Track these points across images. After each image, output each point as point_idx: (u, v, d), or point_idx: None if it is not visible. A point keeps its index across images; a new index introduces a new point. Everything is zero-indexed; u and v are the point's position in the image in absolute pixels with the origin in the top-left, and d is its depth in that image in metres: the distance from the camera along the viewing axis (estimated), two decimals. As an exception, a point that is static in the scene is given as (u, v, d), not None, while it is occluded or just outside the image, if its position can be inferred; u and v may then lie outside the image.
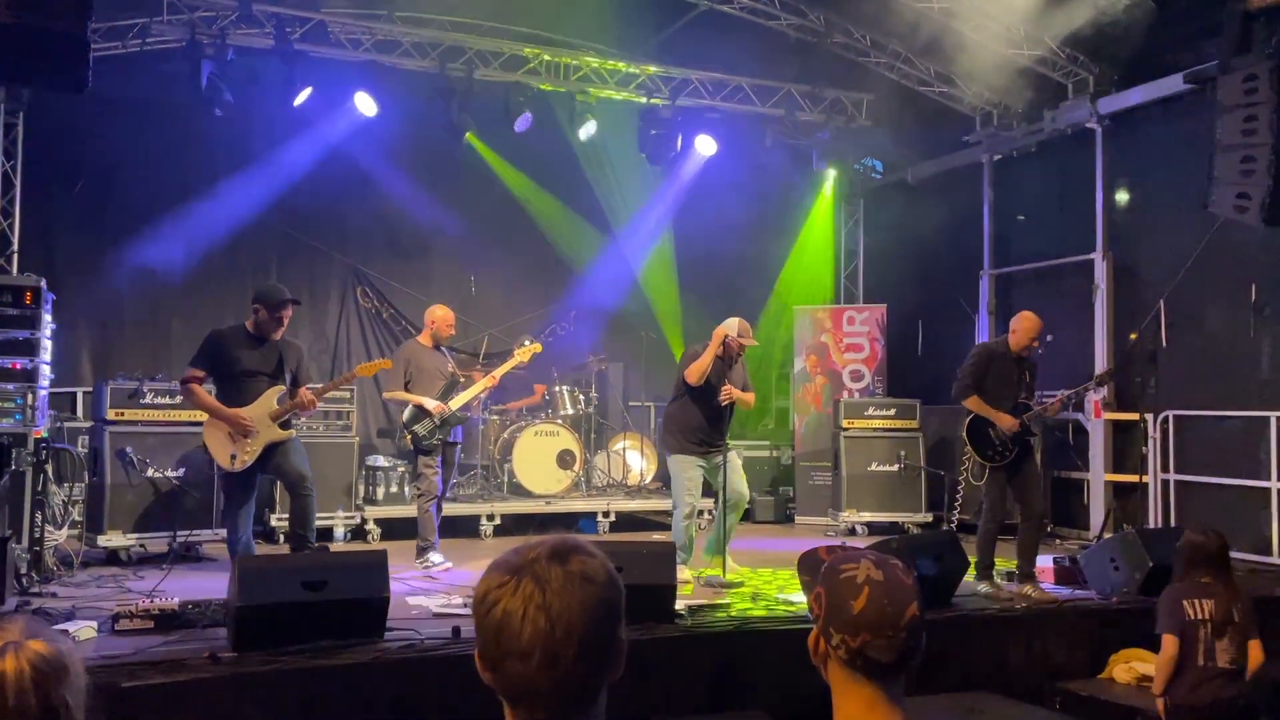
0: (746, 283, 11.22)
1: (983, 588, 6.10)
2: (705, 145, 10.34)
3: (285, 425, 5.90)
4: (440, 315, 7.27)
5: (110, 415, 7.12)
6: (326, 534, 7.77)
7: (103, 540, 6.94)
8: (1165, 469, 8.26)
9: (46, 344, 6.88)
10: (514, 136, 9.68)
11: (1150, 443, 8.19)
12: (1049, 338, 7.47)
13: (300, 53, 8.43)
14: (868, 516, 9.23)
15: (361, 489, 8.37)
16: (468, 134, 9.27)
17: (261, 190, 9.47)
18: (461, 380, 7.25)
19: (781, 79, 10.17)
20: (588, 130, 9.69)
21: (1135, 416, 8.22)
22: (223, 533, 6.46)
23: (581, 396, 9.74)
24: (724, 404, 6.57)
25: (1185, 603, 4.26)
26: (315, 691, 4.09)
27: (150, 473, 7.10)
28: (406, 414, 7.05)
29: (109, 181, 9.03)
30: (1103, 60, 8.94)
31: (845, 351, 10.55)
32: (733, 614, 5.36)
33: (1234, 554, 5.16)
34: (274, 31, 8.33)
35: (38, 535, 6.13)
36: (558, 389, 9.72)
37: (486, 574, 1.39)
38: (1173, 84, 8.23)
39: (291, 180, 9.61)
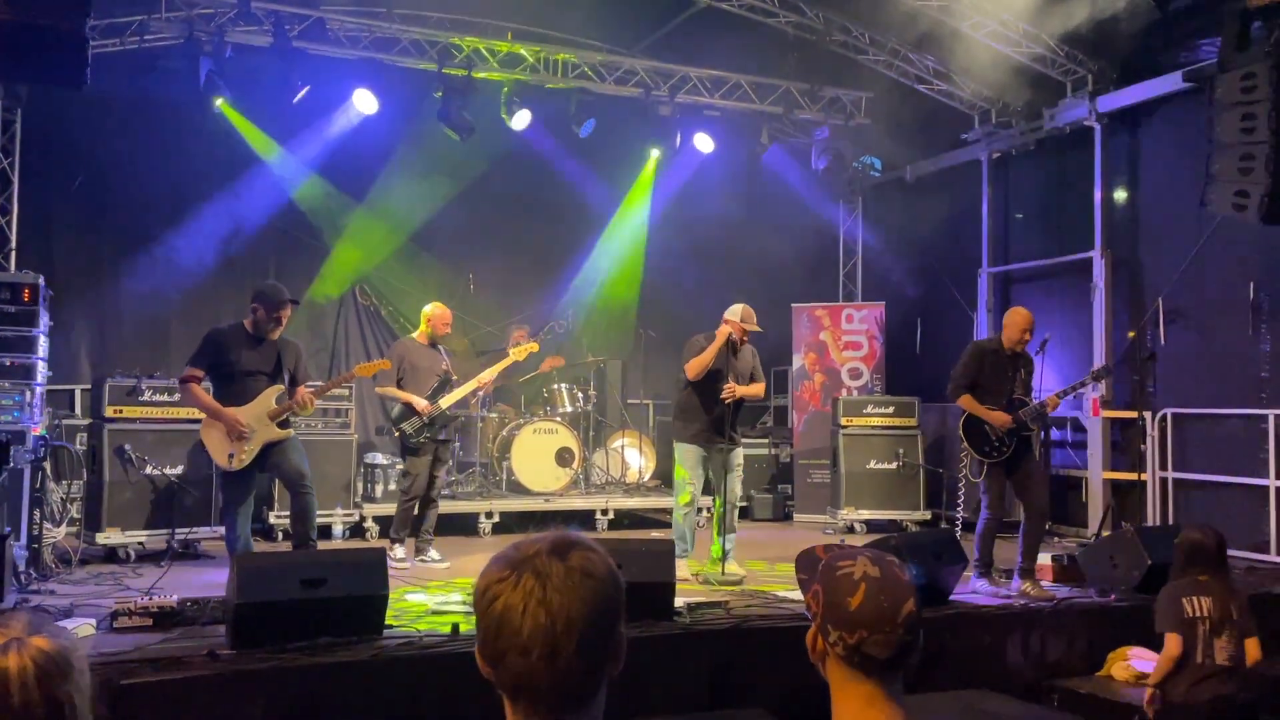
0: (745, 278, 11.21)
1: (982, 585, 6.12)
2: (703, 142, 10.37)
3: (284, 424, 5.89)
4: (437, 313, 7.27)
5: (108, 413, 7.11)
6: (325, 531, 7.77)
7: (101, 538, 6.93)
8: (1163, 467, 8.27)
9: (44, 341, 6.88)
10: (512, 133, 9.69)
11: (1149, 441, 8.21)
12: (1047, 336, 7.49)
13: (299, 50, 8.42)
14: (866, 514, 9.24)
15: (360, 487, 8.38)
16: (467, 132, 9.26)
17: (260, 188, 9.48)
18: (454, 380, 7.24)
19: (780, 76, 10.17)
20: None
21: (1134, 414, 8.24)
22: (221, 530, 6.47)
23: (580, 394, 9.74)
24: (727, 399, 6.53)
25: (1184, 600, 4.27)
26: (314, 689, 4.09)
27: (149, 470, 7.09)
28: (396, 411, 7.08)
29: (107, 179, 9.02)
30: (1101, 58, 8.94)
31: (844, 349, 10.56)
32: (732, 612, 5.36)
33: (1232, 552, 5.17)
34: (272, 29, 8.32)
35: (36, 533, 6.14)
36: (556, 387, 9.73)
37: (487, 568, 1.38)
38: (1171, 82, 8.23)
39: (290, 178, 9.63)
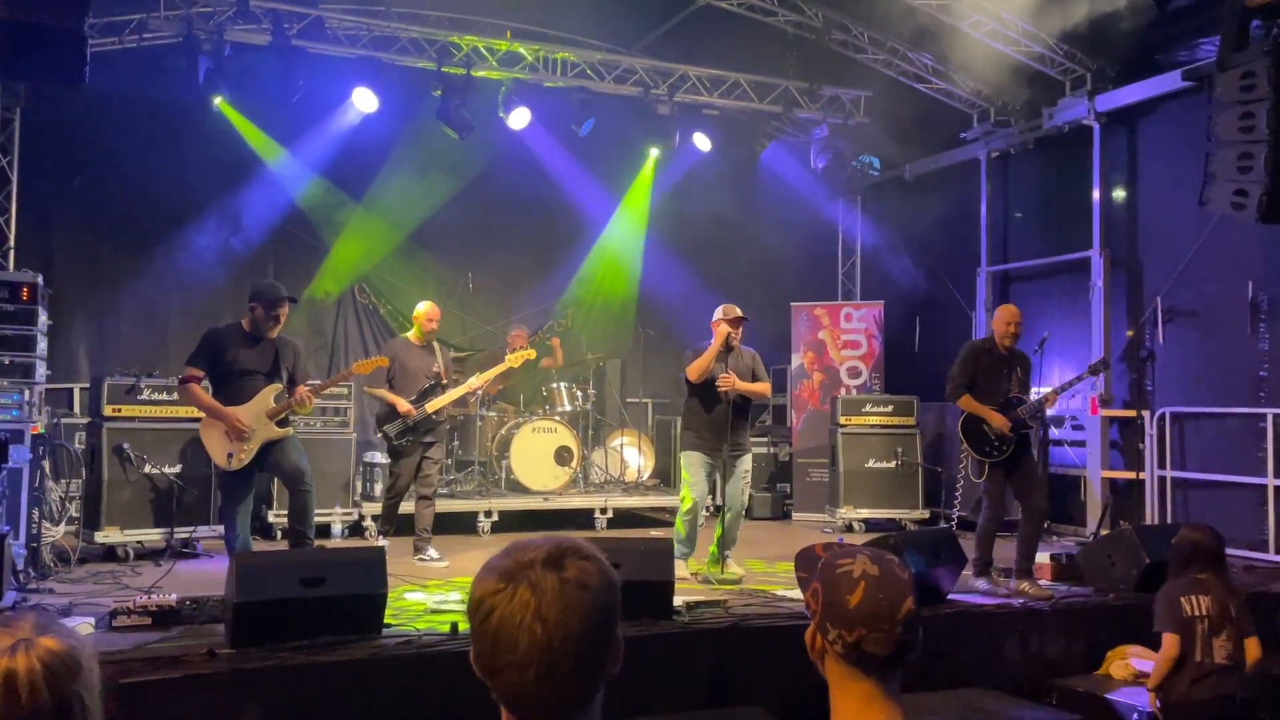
0: (744, 277, 11.21)
1: (981, 584, 6.12)
2: (702, 141, 10.38)
3: (283, 423, 5.89)
4: (424, 311, 7.24)
5: (107, 411, 7.10)
6: (324, 530, 7.77)
7: (100, 536, 6.93)
8: (1162, 465, 8.27)
9: (43, 340, 6.88)
10: (511, 132, 9.69)
11: (1147, 439, 8.21)
12: (1046, 335, 7.50)
13: (298, 49, 8.42)
14: (865, 513, 9.24)
15: (359, 485, 8.38)
16: (466, 131, 9.26)
17: (259, 186, 9.48)
18: (446, 383, 7.19)
19: (779, 75, 10.17)
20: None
21: (1132, 413, 8.24)
22: (220, 529, 6.47)
23: (579, 393, 9.74)
24: (727, 397, 6.41)
25: (1182, 599, 4.27)
26: (313, 688, 4.09)
27: (147, 469, 7.08)
28: (381, 411, 7.08)
29: (106, 177, 9.03)
30: (1100, 57, 8.95)
31: (843, 348, 10.56)
32: (731, 610, 5.36)
33: (1230, 551, 5.18)
34: (271, 27, 8.31)
35: (35, 531, 6.14)
36: (555, 385, 9.73)
37: (481, 578, 1.37)
38: (1170, 81, 8.24)
39: (289, 176, 9.63)
